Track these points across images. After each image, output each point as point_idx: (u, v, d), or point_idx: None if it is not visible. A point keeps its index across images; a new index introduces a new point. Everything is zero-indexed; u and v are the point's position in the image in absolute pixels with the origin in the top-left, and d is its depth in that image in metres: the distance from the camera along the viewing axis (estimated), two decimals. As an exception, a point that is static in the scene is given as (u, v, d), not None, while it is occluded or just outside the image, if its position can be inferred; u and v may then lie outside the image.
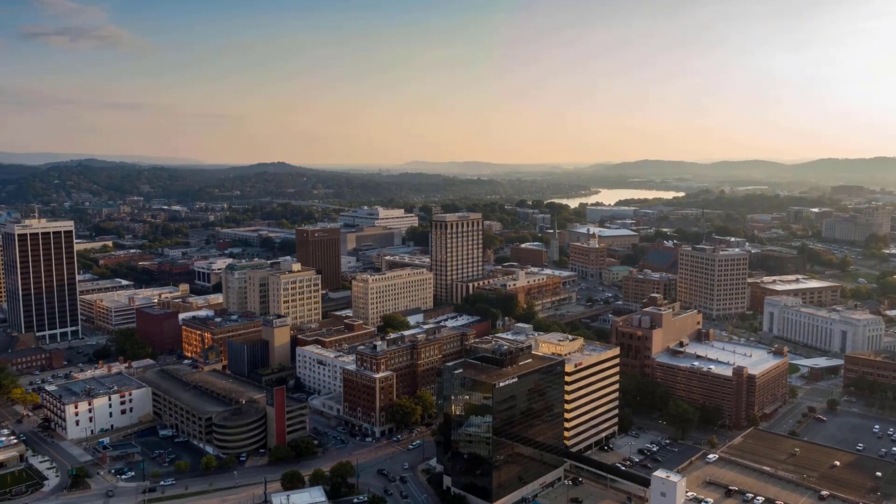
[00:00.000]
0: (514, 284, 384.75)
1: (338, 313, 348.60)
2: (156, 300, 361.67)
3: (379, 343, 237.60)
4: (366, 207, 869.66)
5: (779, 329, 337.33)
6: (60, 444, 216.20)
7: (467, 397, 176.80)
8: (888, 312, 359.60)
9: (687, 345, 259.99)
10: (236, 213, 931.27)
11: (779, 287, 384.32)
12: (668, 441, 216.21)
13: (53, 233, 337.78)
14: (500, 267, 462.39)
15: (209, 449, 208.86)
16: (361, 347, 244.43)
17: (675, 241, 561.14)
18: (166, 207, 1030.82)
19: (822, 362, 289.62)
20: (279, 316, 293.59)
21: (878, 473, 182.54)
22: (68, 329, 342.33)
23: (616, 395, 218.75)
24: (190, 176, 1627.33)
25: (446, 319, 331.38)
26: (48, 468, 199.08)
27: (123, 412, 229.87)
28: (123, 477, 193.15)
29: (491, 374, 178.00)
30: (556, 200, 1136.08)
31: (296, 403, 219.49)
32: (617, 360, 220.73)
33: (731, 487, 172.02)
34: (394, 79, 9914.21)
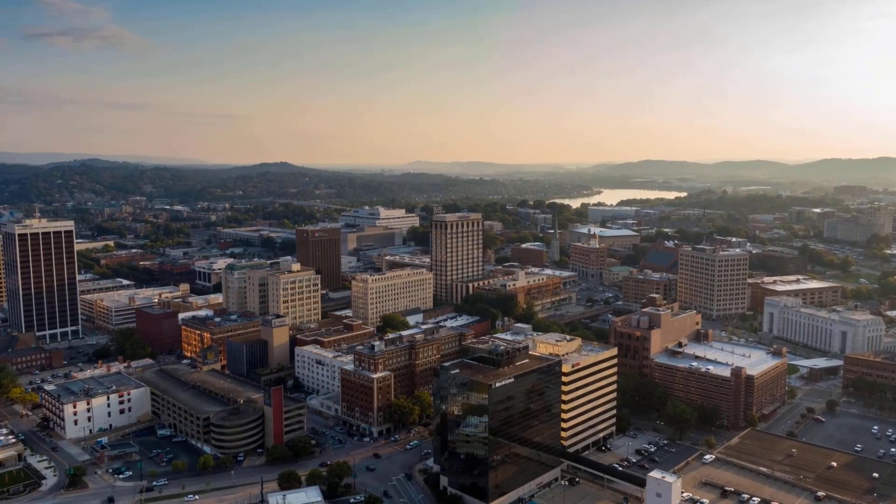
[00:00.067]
0: (514, 285, 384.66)
1: (338, 313, 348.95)
2: (156, 300, 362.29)
3: (377, 343, 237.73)
4: (367, 207, 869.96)
5: (779, 329, 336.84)
6: (59, 444, 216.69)
7: (464, 397, 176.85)
8: (889, 313, 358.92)
9: (686, 345, 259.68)
10: (238, 213, 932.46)
11: (779, 287, 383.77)
12: (665, 442, 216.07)
13: (54, 233, 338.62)
14: (500, 267, 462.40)
15: (207, 449, 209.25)
16: (359, 347, 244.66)
17: (675, 242, 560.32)
18: (168, 207, 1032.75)
19: (821, 363, 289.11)
20: (278, 316, 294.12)
21: (875, 474, 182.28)
22: (68, 329, 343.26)
23: (614, 395, 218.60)
24: (192, 176, 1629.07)
25: (446, 319, 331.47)
26: (46, 467, 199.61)
27: (122, 412, 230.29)
28: (121, 476, 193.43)
29: (487, 374, 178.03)
30: (558, 200, 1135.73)
31: (293, 403, 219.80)
32: (615, 361, 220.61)
33: (726, 488, 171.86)
34: (396, 79, 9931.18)
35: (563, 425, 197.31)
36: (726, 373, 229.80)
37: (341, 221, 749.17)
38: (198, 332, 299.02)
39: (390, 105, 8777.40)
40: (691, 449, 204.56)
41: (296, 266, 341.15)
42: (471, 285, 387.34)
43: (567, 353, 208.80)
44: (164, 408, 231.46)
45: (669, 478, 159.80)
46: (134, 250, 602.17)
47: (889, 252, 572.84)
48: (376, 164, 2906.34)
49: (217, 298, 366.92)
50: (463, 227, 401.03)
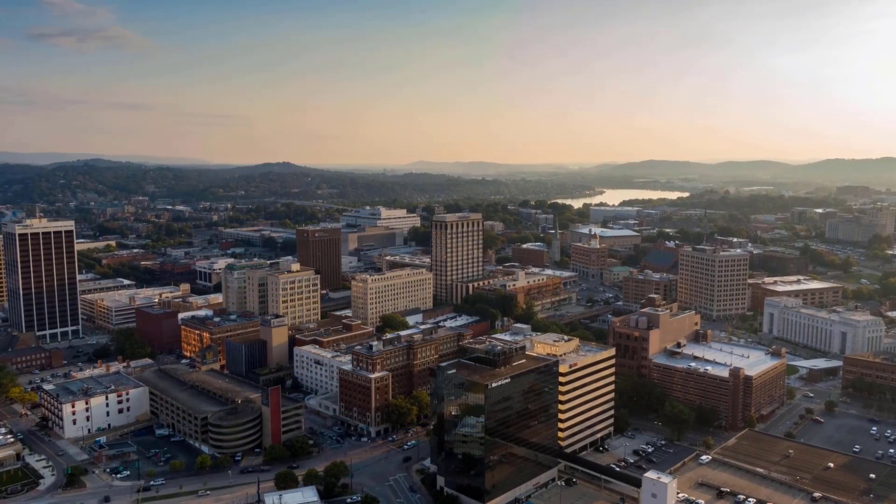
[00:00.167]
0: (514, 285, 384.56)
1: (337, 313, 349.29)
2: (156, 300, 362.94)
3: (375, 343, 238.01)
4: (368, 208, 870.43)
5: (779, 330, 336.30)
6: (57, 443, 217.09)
7: (460, 398, 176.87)
8: (889, 314, 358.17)
9: (684, 346, 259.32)
10: (240, 213, 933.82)
11: (780, 288, 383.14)
12: (663, 442, 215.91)
13: (54, 232, 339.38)
14: (500, 267, 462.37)
15: (205, 448, 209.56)
16: (358, 347, 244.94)
17: (676, 242, 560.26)
18: (170, 207, 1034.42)
19: (820, 363, 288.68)
20: (277, 316, 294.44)
21: (872, 475, 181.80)
22: (69, 328, 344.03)
23: (611, 395, 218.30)
24: (195, 176, 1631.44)
25: (445, 320, 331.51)
26: (44, 467, 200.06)
27: (120, 411, 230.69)
28: (119, 476, 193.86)
29: (484, 374, 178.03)
30: (561, 201, 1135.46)
31: (291, 403, 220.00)
32: (612, 361, 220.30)
33: (722, 489, 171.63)
34: (399, 79, 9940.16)
35: (561, 426, 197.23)
36: (725, 373, 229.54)
37: (342, 221, 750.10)
38: (197, 331, 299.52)
39: (393, 105, 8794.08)
40: (689, 449, 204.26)
41: (295, 266, 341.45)
42: (471, 285, 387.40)
43: (564, 354, 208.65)
44: (162, 407, 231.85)
45: (665, 478, 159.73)
46: (135, 250, 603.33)
47: (890, 252, 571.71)
48: (379, 164, 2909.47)
49: (217, 298, 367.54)
50: (463, 227, 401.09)
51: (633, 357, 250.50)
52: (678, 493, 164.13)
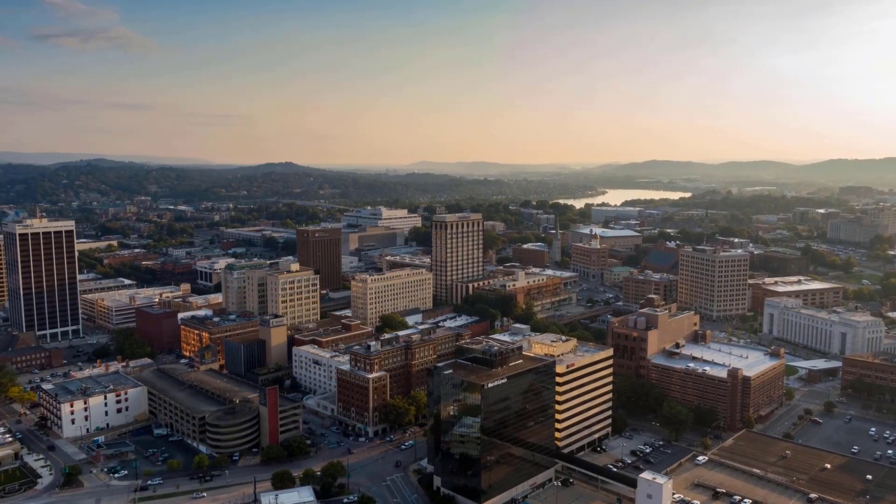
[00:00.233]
0: (514, 285, 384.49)
1: (337, 313, 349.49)
2: (157, 300, 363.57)
3: (373, 343, 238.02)
4: (369, 208, 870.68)
5: (779, 331, 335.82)
6: (56, 443, 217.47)
7: (457, 398, 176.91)
8: (890, 314, 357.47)
9: (683, 346, 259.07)
10: (241, 212, 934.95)
11: (780, 288, 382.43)
12: (661, 443, 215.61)
13: (54, 232, 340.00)
14: (500, 267, 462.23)
15: (203, 448, 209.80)
16: (356, 347, 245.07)
17: (677, 242, 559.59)
18: (172, 207, 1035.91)
19: (820, 364, 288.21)
20: (276, 316, 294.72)
21: (869, 476, 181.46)
22: (69, 328, 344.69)
23: (609, 396, 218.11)
24: (197, 176, 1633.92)
25: (445, 320, 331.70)
26: (42, 466, 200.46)
27: (119, 411, 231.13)
28: (116, 476, 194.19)
29: (480, 374, 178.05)
30: (563, 201, 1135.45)
31: (289, 403, 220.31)
32: (610, 362, 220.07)
33: (718, 490, 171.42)
34: (400, 79, 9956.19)
35: (558, 426, 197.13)
36: (723, 374, 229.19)
37: (344, 221, 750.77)
38: (196, 331, 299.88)
39: (394, 105, 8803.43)
40: (687, 450, 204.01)
41: (294, 266, 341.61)
42: (471, 285, 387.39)
43: (562, 354, 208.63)
44: (160, 407, 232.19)
45: (660, 479, 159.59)
46: (137, 250, 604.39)
47: (892, 253, 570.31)
48: (381, 164, 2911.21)
49: (217, 298, 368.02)
50: (463, 227, 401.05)
51: (631, 357, 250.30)
52: (674, 494, 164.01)
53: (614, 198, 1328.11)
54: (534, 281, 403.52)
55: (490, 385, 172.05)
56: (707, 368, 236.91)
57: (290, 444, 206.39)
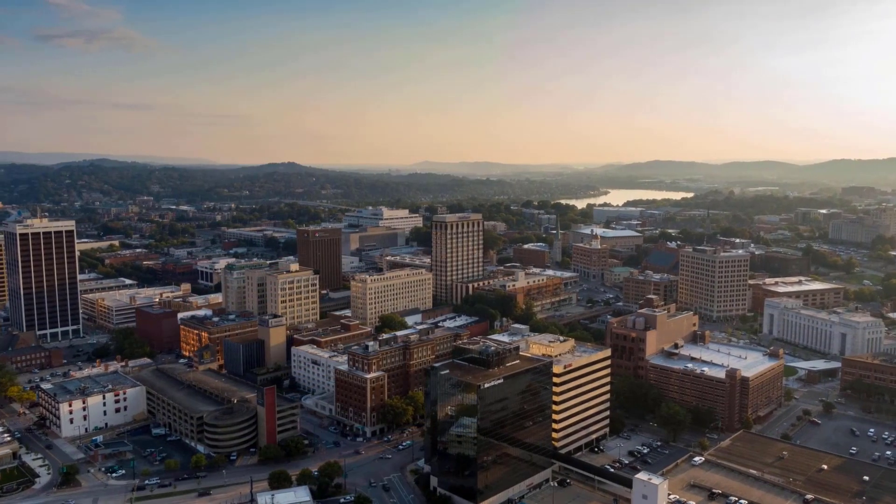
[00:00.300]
0: (514, 285, 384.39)
1: (337, 313, 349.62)
2: (157, 300, 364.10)
3: (371, 343, 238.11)
4: (370, 208, 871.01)
5: (779, 331, 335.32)
6: (54, 442, 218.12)
7: (454, 398, 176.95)
8: (891, 315, 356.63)
9: (682, 346, 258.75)
10: (243, 213, 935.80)
11: (781, 289, 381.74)
12: (659, 443, 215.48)
13: (55, 232, 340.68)
14: (501, 268, 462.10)
15: (200, 448, 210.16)
16: (354, 348, 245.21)
17: (678, 243, 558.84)
18: (174, 207, 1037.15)
19: (819, 365, 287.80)
20: (275, 316, 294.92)
21: (866, 477, 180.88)
22: (69, 328, 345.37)
23: (607, 396, 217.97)
24: (200, 176, 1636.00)
25: (444, 320, 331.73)
26: (41, 466, 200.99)
27: (118, 410, 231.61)
28: (114, 475, 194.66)
29: (477, 375, 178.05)
30: (565, 201, 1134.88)
31: (287, 403, 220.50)
32: (608, 362, 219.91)
33: (714, 490, 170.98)
34: (401, 79, 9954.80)
35: (555, 426, 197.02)
36: (721, 374, 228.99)
37: (345, 221, 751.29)
38: (196, 331, 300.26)
39: (396, 105, 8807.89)
40: (685, 451, 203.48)
41: (294, 266, 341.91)
42: (471, 286, 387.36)
43: (560, 354, 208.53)
44: (159, 407, 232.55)
45: (656, 480, 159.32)
46: (138, 250, 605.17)
47: (894, 253, 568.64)
48: (383, 164, 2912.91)
49: (217, 298, 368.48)
50: (463, 227, 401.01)
51: (629, 358, 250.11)
52: (669, 495, 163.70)
53: (616, 198, 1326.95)
54: (534, 281, 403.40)
55: (486, 385, 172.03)
56: (705, 369, 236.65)
57: (288, 444, 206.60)
